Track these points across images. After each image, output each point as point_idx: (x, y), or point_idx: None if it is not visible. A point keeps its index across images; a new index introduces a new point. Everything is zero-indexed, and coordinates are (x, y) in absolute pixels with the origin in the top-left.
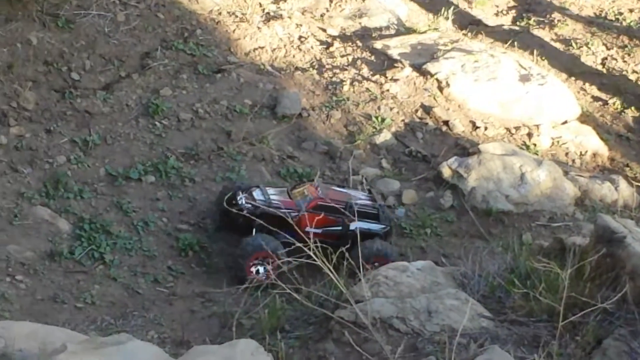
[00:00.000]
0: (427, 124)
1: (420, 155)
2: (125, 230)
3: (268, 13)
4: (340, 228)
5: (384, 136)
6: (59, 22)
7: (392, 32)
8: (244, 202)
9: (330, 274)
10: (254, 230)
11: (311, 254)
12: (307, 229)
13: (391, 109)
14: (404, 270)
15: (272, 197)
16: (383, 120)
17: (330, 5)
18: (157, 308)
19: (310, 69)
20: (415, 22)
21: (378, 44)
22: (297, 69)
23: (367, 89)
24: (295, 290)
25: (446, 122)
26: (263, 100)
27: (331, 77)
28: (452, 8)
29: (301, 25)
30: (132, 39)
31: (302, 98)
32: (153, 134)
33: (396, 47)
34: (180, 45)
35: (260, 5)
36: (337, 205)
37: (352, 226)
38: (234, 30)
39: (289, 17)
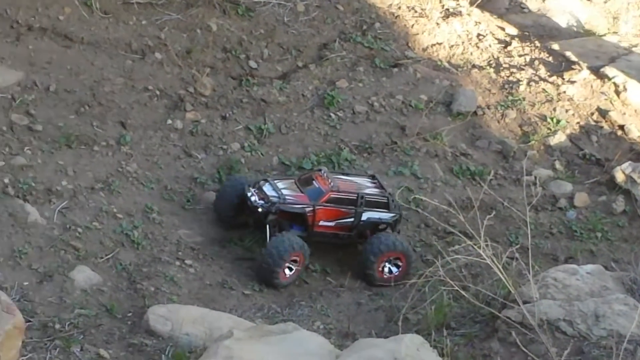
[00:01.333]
0: (602, 127)
1: (594, 159)
2: None
3: (447, 9)
4: (352, 219)
5: (558, 138)
6: (239, 10)
7: (571, 33)
8: (257, 200)
9: (499, 274)
10: (267, 226)
11: (481, 253)
12: (321, 222)
13: (567, 110)
14: (574, 273)
15: (284, 192)
16: (558, 121)
17: (509, 4)
18: (324, 299)
19: (487, 67)
20: (595, 25)
21: (556, 45)
22: (474, 66)
23: (544, 90)
24: (462, 288)
25: (622, 127)
26: (439, 96)
27: (508, 76)
28: (632, 12)
29: (480, 22)
30: (311, 29)
31: (478, 96)
32: (327, 125)
33: (574, 48)
34: (359, 38)
35: (440, 1)
36: (350, 197)
37: (364, 217)
38: (412, 25)
39: (468, 14)
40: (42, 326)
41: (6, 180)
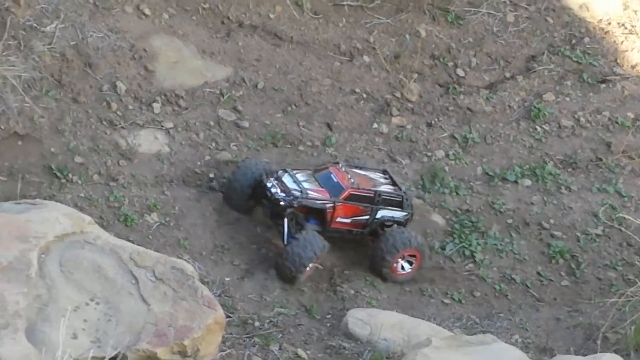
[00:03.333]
0: None
1: None
2: (498, 231)
3: None
4: (368, 217)
5: None
6: (448, 17)
7: None
8: (278, 192)
9: None
10: (285, 219)
11: None
12: (339, 219)
13: None
14: None
15: (304, 184)
16: None
17: None
18: (523, 312)
19: None
20: None
21: None
22: None
23: None
24: None
25: None
26: None
27: None
28: None
29: None
30: (520, 40)
31: None
32: (533, 137)
33: None
34: (567, 52)
35: None
36: (368, 195)
37: (379, 214)
38: (621, 42)
39: None
40: (241, 322)
41: (211, 175)
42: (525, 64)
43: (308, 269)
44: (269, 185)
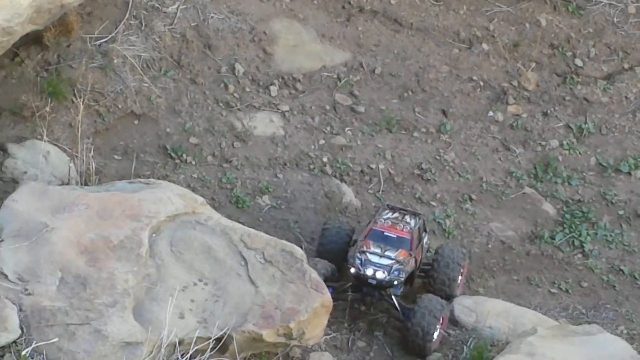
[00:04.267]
0: None
1: None
2: (608, 222)
3: None
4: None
5: None
6: (569, 7)
7: None
8: (382, 275)
9: None
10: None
11: None
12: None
13: None
14: None
15: (387, 253)
16: None
17: None
18: (630, 304)
19: None
20: None
21: None
22: None
23: None
24: None
25: None
26: None
27: None
28: None
29: None
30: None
31: None
32: None
33: None
34: None
35: None
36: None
37: None
38: None
39: None
40: (347, 307)
41: (325, 159)
42: None
43: (435, 336)
44: (369, 274)
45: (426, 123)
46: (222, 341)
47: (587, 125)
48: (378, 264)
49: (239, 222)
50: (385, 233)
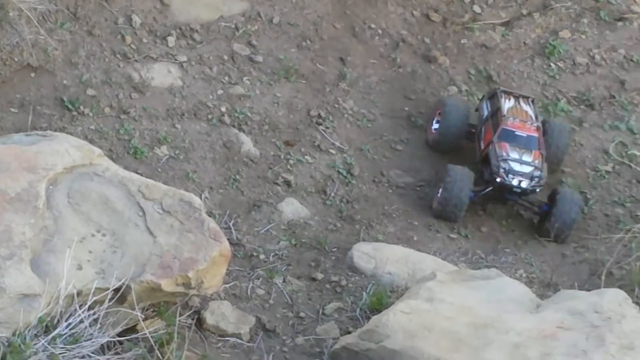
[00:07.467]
0: None
1: None
2: None
3: None
4: None
5: None
6: None
7: None
8: (528, 183)
9: None
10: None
11: None
12: None
13: None
14: None
15: (524, 158)
16: None
17: None
18: (528, 248)
19: None
20: None
21: None
22: None
23: None
24: None
25: None
26: None
27: None
28: None
29: None
30: None
31: None
32: (547, 74)
33: None
34: None
35: None
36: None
37: None
38: None
39: None
40: (246, 255)
41: (223, 109)
42: (542, 1)
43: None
44: (515, 184)
45: (324, 72)
46: (121, 292)
47: (481, 69)
48: (520, 172)
49: (137, 173)
50: (517, 133)
